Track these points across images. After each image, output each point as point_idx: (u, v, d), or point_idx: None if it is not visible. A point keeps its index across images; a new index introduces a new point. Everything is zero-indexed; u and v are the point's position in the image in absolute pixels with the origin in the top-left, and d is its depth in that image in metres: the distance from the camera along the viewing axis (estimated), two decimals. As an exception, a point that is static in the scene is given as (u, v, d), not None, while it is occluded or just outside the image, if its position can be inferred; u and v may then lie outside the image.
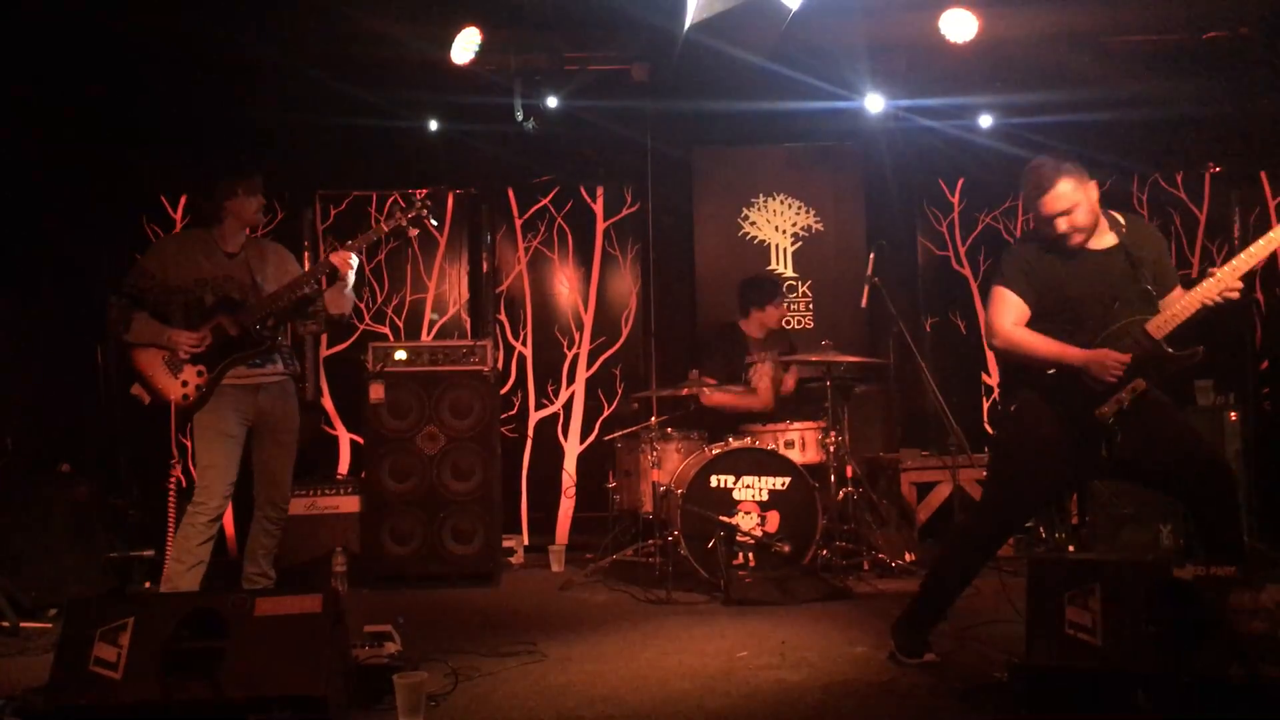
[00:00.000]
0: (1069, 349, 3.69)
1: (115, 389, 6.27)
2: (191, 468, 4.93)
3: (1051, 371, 3.73)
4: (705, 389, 6.16)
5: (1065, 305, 3.77)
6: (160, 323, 4.81)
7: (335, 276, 4.85)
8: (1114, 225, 3.84)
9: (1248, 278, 3.62)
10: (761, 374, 6.54)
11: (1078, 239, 3.78)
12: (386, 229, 4.92)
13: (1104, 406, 3.66)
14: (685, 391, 6.15)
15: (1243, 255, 3.57)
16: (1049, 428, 3.76)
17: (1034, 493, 4.01)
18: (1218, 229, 7.22)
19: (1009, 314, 3.81)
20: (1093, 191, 3.80)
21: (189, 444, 4.89)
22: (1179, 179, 7.28)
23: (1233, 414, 6.02)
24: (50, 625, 4.95)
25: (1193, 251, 7.16)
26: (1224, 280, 3.57)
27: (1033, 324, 3.80)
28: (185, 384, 4.74)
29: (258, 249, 5.01)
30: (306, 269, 5.07)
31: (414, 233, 5.02)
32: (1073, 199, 3.74)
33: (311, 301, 4.94)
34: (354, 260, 4.83)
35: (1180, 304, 3.63)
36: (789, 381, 6.65)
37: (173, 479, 4.94)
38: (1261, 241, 3.55)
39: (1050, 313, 3.79)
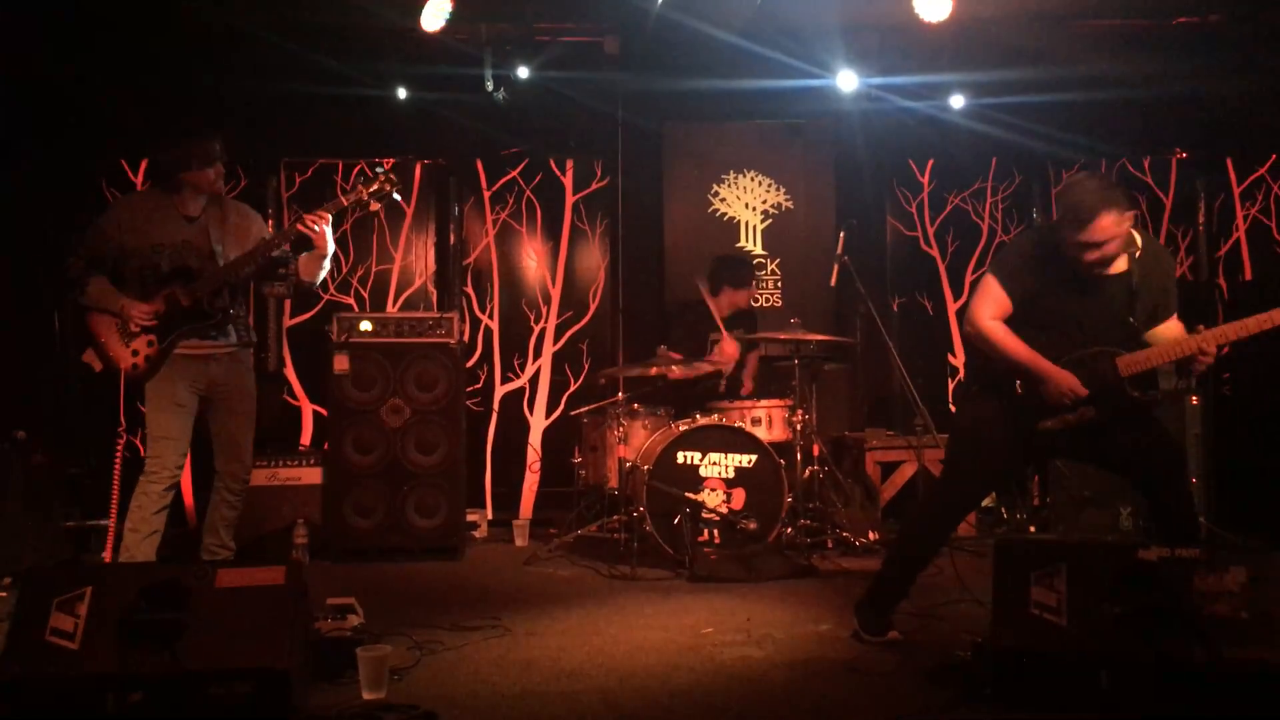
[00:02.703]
0: (1038, 359, 3.67)
1: (72, 355, 6.12)
2: (138, 442, 4.83)
3: (1016, 377, 3.74)
4: (671, 366, 6.14)
5: (1050, 317, 3.71)
6: (116, 288, 4.70)
7: (305, 244, 4.76)
8: (1128, 247, 3.67)
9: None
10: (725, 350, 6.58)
11: (1099, 270, 3.64)
12: (346, 202, 4.81)
13: (1049, 421, 3.71)
14: (654, 371, 6.12)
15: (1235, 325, 3.56)
16: (1002, 417, 3.79)
17: (990, 472, 4.02)
18: (1183, 214, 7.28)
19: (990, 306, 3.74)
20: (1128, 222, 3.59)
21: (142, 411, 4.78)
22: (1146, 163, 7.32)
23: (1194, 398, 6.07)
24: (5, 595, 4.85)
25: (1158, 236, 7.20)
26: (1206, 341, 3.58)
27: (1011, 322, 3.73)
28: (135, 353, 4.65)
29: (219, 213, 4.84)
30: (272, 233, 4.93)
31: (376, 207, 4.91)
32: (1111, 233, 3.54)
33: (282, 264, 4.85)
34: (328, 230, 4.73)
35: (1156, 350, 3.65)
36: (747, 382, 6.66)
37: (120, 448, 4.83)
38: (1260, 317, 3.54)
39: (1032, 320, 3.73)
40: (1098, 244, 3.56)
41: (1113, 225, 3.54)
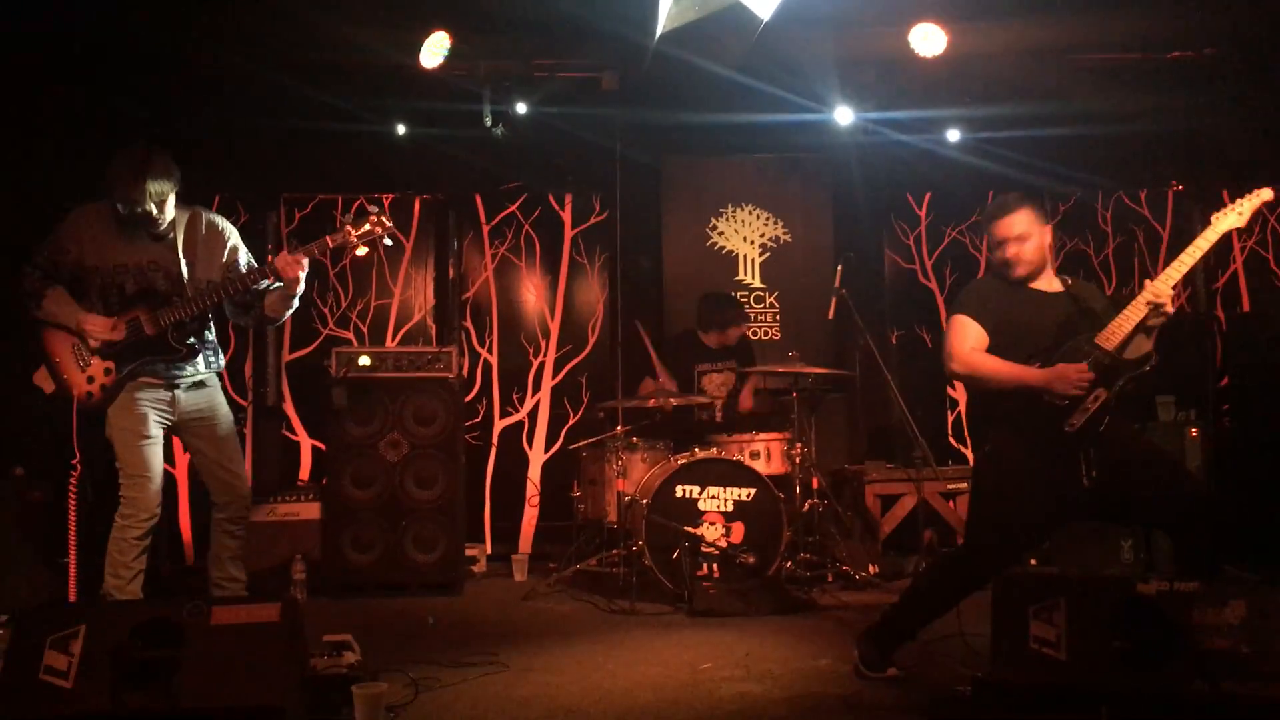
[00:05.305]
0: (1028, 370, 3.70)
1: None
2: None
3: (1010, 401, 3.72)
4: (669, 399, 6.14)
5: (1020, 336, 3.82)
6: (75, 302, 4.44)
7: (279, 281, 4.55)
8: (1061, 278, 4.01)
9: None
10: (715, 383, 6.57)
11: (1021, 271, 3.92)
12: (332, 244, 4.54)
13: (1072, 418, 3.65)
14: (651, 403, 6.13)
15: (1174, 265, 3.69)
16: (1026, 461, 3.71)
17: (1024, 529, 3.86)
18: (1180, 246, 7.23)
19: (968, 339, 3.87)
20: (1047, 235, 3.97)
21: (106, 439, 4.53)
22: (1143, 196, 7.36)
23: (1193, 430, 6.07)
24: (2, 633, 4.83)
25: (1155, 268, 7.21)
26: (1158, 289, 3.64)
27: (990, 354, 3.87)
28: (91, 380, 4.40)
29: (191, 229, 4.54)
30: (247, 269, 4.67)
31: (363, 251, 4.76)
32: (1025, 230, 3.89)
33: (255, 298, 4.62)
34: (303, 274, 4.50)
35: (1122, 315, 3.67)
36: (746, 399, 6.66)
37: (73, 481, 4.61)
38: (1191, 249, 3.70)
39: (1005, 345, 3.83)
40: (1016, 238, 3.88)
41: (1026, 222, 3.89)
